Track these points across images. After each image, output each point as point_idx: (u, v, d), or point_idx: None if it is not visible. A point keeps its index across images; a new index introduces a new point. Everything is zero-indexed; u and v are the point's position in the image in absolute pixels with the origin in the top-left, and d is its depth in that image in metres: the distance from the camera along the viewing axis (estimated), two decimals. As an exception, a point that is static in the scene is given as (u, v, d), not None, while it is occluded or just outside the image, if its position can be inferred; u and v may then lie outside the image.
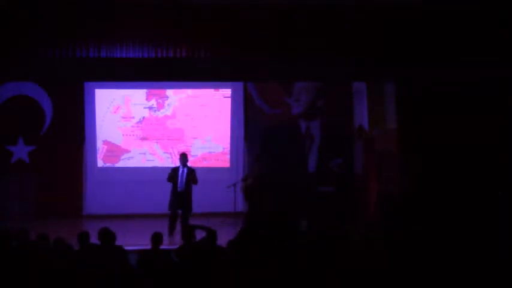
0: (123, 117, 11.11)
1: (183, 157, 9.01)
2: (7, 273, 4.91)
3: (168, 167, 10.86)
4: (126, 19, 7.58)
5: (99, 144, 11.06)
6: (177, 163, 11.05)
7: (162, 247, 5.84)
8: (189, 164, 9.08)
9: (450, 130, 8.74)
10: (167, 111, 11.17)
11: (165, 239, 6.18)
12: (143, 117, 11.14)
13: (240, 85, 11.20)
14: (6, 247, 5.28)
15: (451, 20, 7.84)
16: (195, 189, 11.05)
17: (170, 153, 11.13)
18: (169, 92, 11.17)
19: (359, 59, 8.03)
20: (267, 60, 8.18)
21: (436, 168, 8.70)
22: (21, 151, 10.70)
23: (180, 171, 8.83)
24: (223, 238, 6.17)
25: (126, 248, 5.78)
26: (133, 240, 7.23)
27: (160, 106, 11.17)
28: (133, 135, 11.12)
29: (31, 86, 10.72)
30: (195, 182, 8.76)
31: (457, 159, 8.67)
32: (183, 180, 8.74)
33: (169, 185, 8.88)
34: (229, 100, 11.27)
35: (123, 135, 11.09)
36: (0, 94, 10.63)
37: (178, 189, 8.73)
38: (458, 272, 4.99)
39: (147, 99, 11.16)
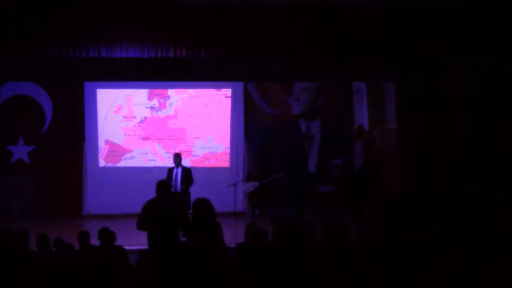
0: (125, 117, 11.11)
1: (177, 157, 8.97)
2: (7, 274, 4.91)
3: (169, 167, 10.89)
4: (126, 19, 7.58)
5: (101, 144, 11.06)
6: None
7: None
8: (190, 163, 9.06)
9: (450, 130, 8.75)
10: (169, 111, 11.17)
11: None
12: (145, 117, 11.13)
13: (240, 85, 11.20)
14: (6, 247, 5.27)
15: (451, 19, 7.84)
16: (195, 189, 11.04)
17: (172, 153, 11.12)
18: (171, 92, 11.17)
19: (358, 59, 8.03)
20: (267, 60, 8.18)
21: (436, 168, 8.71)
22: (21, 151, 10.69)
23: (174, 172, 8.80)
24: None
25: (126, 248, 5.77)
26: (133, 240, 7.22)
27: (162, 106, 11.17)
28: (135, 135, 11.12)
29: (31, 86, 10.72)
30: (191, 180, 8.71)
31: (457, 159, 8.68)
32: (177, 181, 8.71)
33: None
34: (230, 100, 11.27)
35: (124, 135, 11.09)
36: (0, 94, 10.63)
37: (172, 189, 8.69)
38: (459, 272, 4.99)
39: (149, 99, 11.15)
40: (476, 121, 8.65)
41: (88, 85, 10.87)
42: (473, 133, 8.64)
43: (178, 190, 8.63)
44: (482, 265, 4.90)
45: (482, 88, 8.69)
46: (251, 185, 10.45)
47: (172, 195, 7.53)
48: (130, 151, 11.10)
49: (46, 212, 10.18)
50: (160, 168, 10.53)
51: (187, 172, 8.81)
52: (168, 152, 11.13)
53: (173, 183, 8.69)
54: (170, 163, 10.96)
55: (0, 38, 7.43)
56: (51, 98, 10.80)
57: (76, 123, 10.87)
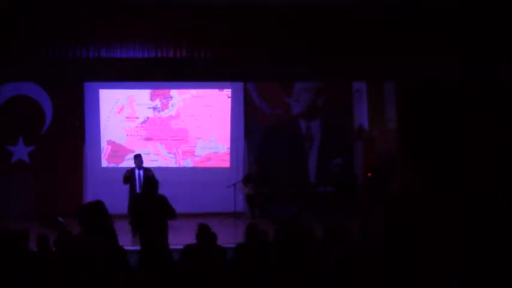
0: (128, 118, 11.11)
1: (137, 159, 8.99)
2: (7, 274, 4.91)
3: (172, 167, 10.92)
4: (126, 19, 7.58)
5: (104, 144, 11.06)
6: (181, 163, 11.13)
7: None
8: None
9: (450, 130, 8.75)
10: (171, 111, 11.17)
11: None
12: (147, 118, 11.14)
13: (240, 85, 11.20)
14: (6, 247, 5.27)
15: (451, 19, 7.84)
16: (196, 189, 11.05)
17: (174, 154, 11.14)
18: (174, 92, 11.17)
19: (359, 59, 8.03)
20: (267, 60, 8.18)
21: (436, 168, 8.70)
22: (21, 151, 10.70)
23: (136, 174, 8.87)
24: (223, 238, 6.17)
25: (126, 248, 5.77)
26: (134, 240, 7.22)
27: (164, 106, 11.16)
28: (137, 135, 11.13)
29: (31, 86, 10.72)
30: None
31: (457, 159, 8.67)
32: (141, 182, 8.74)
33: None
34: (230, 100, 11.27)
35: (127, 135, 11.09)
36: (0, 94, 10.63)
37: (137, 190, 8.72)
38: (459, 272, 4.99)
39: (151, 99, 11.16)
40: (477, 121, 8.64)
41: (90, 85, 10.88)
42: (474, 132, 8.62)
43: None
44: (481, 265, 4.90)
45: (482, 88, 8.68)
46: (249, 188, 10.49)
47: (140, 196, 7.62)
48: (133, 151, 11.07)
49: (46, 212, 10.16)
50: (162, 169, 10.58)
51: (149, 173, 8.80)
52: (170, 153, 11.15)
53: (138, 184, 8.79)
54: (173, 163, 11.03)
55: (0, 38, 7.42)
56: (51, 98, 10.81)
57: (76, 123, 10.88)
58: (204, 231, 5.56)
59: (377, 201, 9.04)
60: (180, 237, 6.35)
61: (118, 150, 11.07)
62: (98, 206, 5.33)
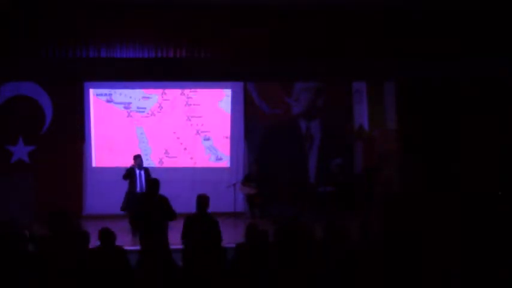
0: (128, 117, 11.08)
1: (137, 159, 9.05)
2: (7, 274, 4.92)
3: (172, 167, 10.90)
4: (126, 19, 7.57)
5: (100, 144, 11.05)
6: (182, 163, 11.11)
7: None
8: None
9: (450, 130, 8.75)
10: (171, 111, 11.15)
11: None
12: (147, 117, 11.12)
13: (240, 85, 11.20)
14: (6, 247, 5.28)
15: (451, 19, 7.83)
16: (196, 189, 11.03)
17: (174, 153, 11.13)
18: (174, 92, 11.15)
19: (359, 59, 8.02)
20: (267, 60, 8.18)
21: (436, 168, 8.71)
22: (21, 151, 10.69)
23: (137, 173, 8.94)
24: (223, 238, 6.17)
25: (126, 248, 5.77)
26: (133, 240, 7.23)
27: (164, 106, 11.14)
28: (133, 135, 11.12)
29: (31, 86, 10.71)
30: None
31: (457, 159, 8.68)
32: (142, 182, 8.80)
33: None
34: (230, 100, 11.27)
35: (127, 135, 11.07)
36: (0, 94, 10.62)
37: (138, 190, 8.80)
38: (459, 272, 4.99)
39: (151, 99, 11.14)
40: (477, 121, 8.64)
41: (89, 85, 10.87)
42: (474, 132, 8.63)
43: (144, 191, 8.72)
44: (481, 265, 4.90)
45: (482, 88, 8.68)
46: (249, 189, 10.50)
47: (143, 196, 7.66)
48: (134, 151, 11.07)
49: (46, 212, 10.15)
50: (163, 169, 10.58)
51: (149, 173, 8.93)
52: (170, 152, 11.13)
53: (138, 184, 8.88)
54: (172, 163, 11.00)
55: (0, 38, 7.42)
56: (51, 98, 10.79)
57: (76, 123, 10.87)
58: (203, 201, 6.08)
59: (369, 200, 9.04)
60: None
61: (116, 150, 11.06)
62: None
